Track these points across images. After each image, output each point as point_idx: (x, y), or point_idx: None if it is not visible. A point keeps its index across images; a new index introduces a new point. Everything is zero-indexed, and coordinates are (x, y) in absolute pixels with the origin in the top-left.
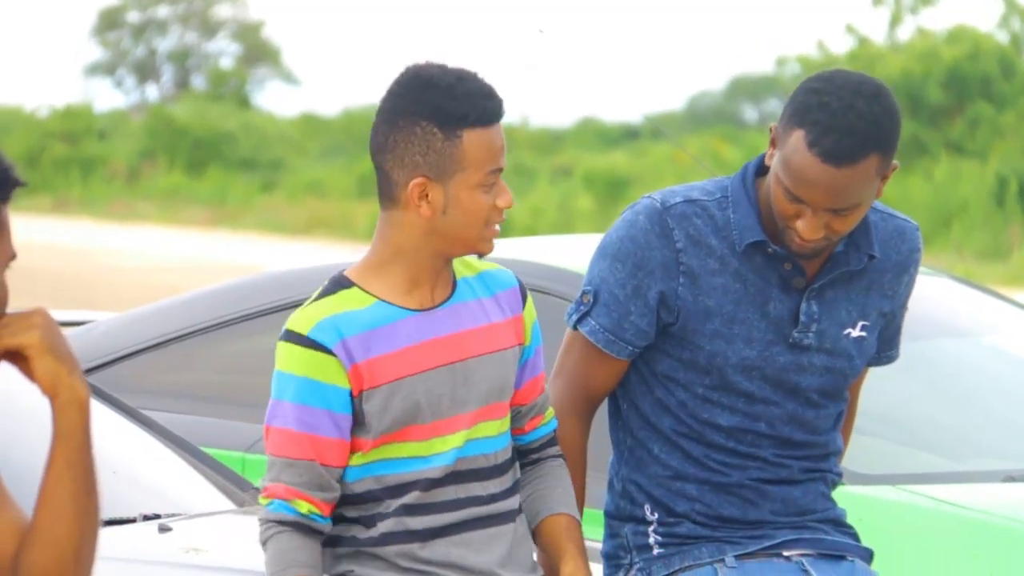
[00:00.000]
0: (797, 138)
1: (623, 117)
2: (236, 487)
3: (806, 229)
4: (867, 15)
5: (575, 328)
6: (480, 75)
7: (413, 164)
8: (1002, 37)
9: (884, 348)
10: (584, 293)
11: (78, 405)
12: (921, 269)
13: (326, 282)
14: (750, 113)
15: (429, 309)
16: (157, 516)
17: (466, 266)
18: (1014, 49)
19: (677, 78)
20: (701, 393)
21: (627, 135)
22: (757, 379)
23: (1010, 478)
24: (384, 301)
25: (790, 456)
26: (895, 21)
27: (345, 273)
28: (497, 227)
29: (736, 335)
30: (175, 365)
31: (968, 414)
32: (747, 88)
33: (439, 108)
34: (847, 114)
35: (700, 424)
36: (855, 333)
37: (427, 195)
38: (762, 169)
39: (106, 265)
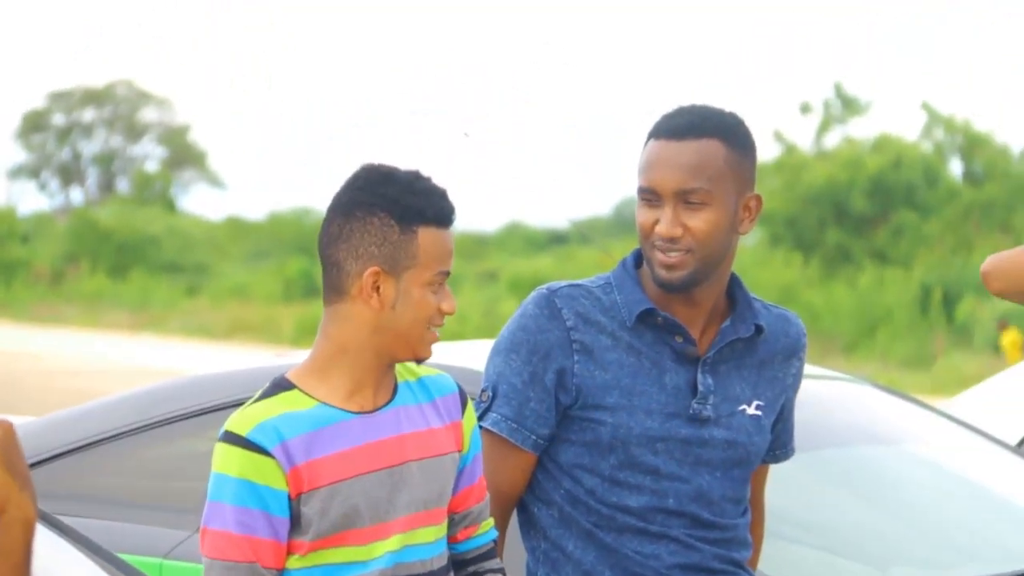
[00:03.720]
0: (647, 144)
1: (550, 222)
2: None
3: (663, 227)
4: (795, 122)
5: (480, 426)
6: (434, 178)
7: (368, 255)
8: (926, 146)
9: (779, 444)
10: (483, 391)
11: (24, 524)
12: (844, 376)
13: (267, 384)
14: None
15: (370, 412)
16: None
17: (407, 371)
18: (937, 158)
19: (604, 183)
20: (609, 475)
21: (554, 240)
22: (662, 453)
23: None
24: (325, 404)
25: (701, 539)
26: (823, 129)
27: (287, 375)
28: (437, 332)
29: (637, 407)
30: (92, 470)
31: (892, 522)
32: None
33: (397, 202)
34: (690, 106)
35: (610, 509)
36: (750, 411)
37: (379, 287)
38: (639, 260)
39: (28, 369)
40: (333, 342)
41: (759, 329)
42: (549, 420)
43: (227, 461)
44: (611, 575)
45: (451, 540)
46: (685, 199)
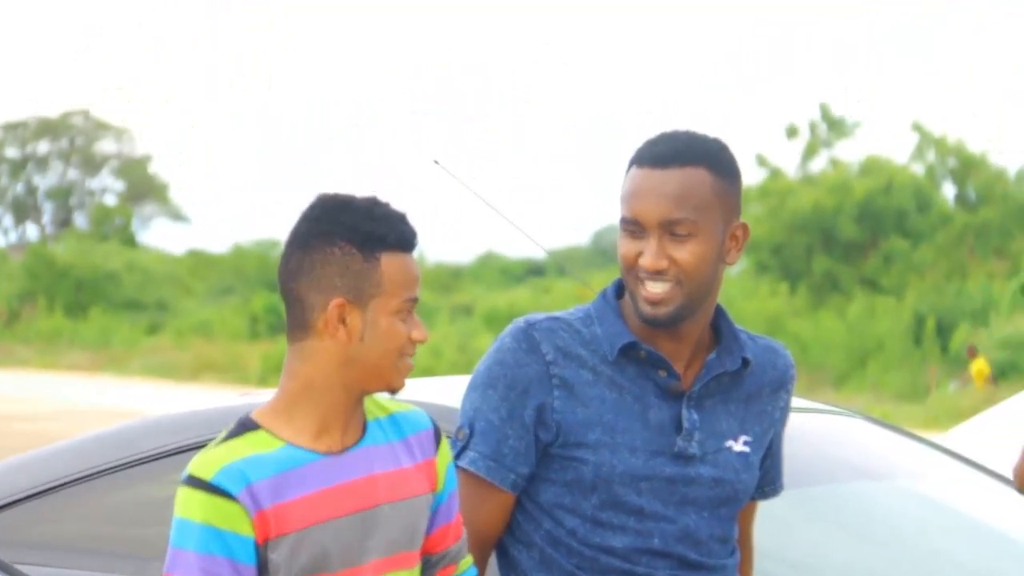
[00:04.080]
0: (630, 172)
1: (526, 253)
2: None
3: (648, 259)
4: (779, 146)
5: (456, 466)
6: (392, 204)
7: (331, 287)
8: (917, 168)
9: (768, 480)
10: (459, 429)
11: None
12: (834, 409)
13: (232, 424)
14: None
15: (338, 453)
16: None
17: (378, 407)
18: (929, 181)
19: (582, 213)
20: (591, 515)
21: (530, 271)
22: (646, 492)
23: None
24: (292, 444)
25: None
26: (809, 153)
27: (252, 415)
28: (411, 361)
29: (620, 444)
30: (51, 516)
31: (885, 560)
32: None
33: (357, 229)
34: (673, 133)
35: (593, 551)
36: (737, 447)
37: (345, 319)
38: (621, 291)
39: None
40: (299, 380)
41: (746, 362)
42: (528, 458)
43: (190, 506)
44: None
45: None
46: (671, 230)
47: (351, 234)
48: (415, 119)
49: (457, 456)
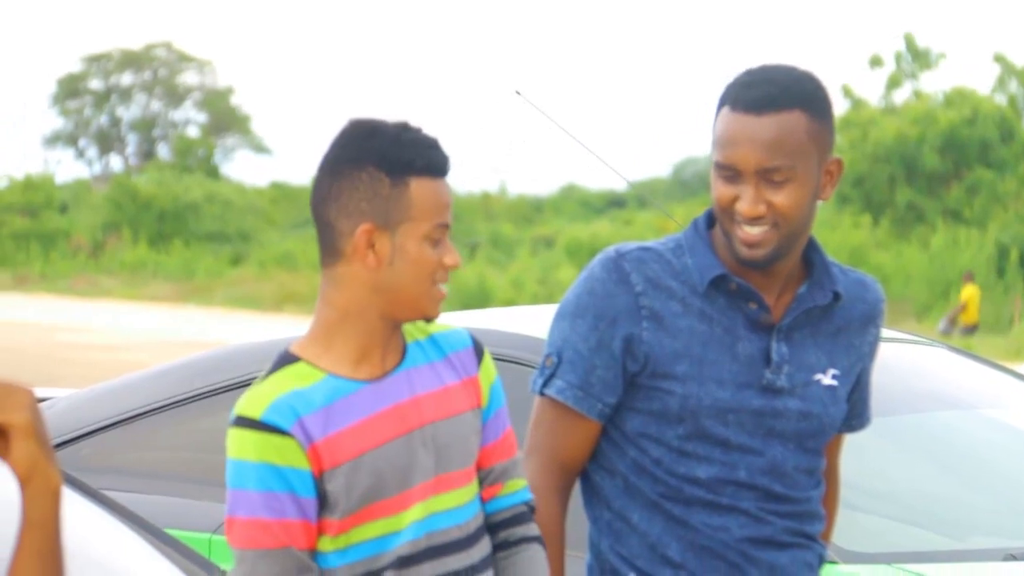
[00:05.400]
0: (722, 113)
1: (607, 184)
2: (202, 570)
3: (745, 204)
4: (863, 77)
5: (542, 393)
6: (425, 129)
7: (359, 212)
8: (1000, 99)
9: (855, 413)
10: (547, 356)
11: (52, 495)
12: (918, 339)
13: (273, 359)
14: None
15: (380, 378)
16: None
17: (416, 329)
18: (1013, 112)
19: (663, 144)
20: (676, 446)
21: (611, 203)
22: (733, 424)
23: (1011, 556)
24: (333, 374)
25: (772, 512)
26: (893, 84)
27: (290, 348)
28: (444, 288)
29: (708, 376)
30: (138, 443)
31: (968, 490)
32: None
33: (385, 154)
34: (766, 72)
35: (678, 480)
36: (826, 380)
37: (373, 244)
38: (712, 221)
39: (68, 342)
40: (334, 308)
41: (836, 296)
42: (616, 388)
43: (244, 446)
44: (677, 547)
45: None
46: (767, 176)
47: (379, 159)
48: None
49: (545, 384)
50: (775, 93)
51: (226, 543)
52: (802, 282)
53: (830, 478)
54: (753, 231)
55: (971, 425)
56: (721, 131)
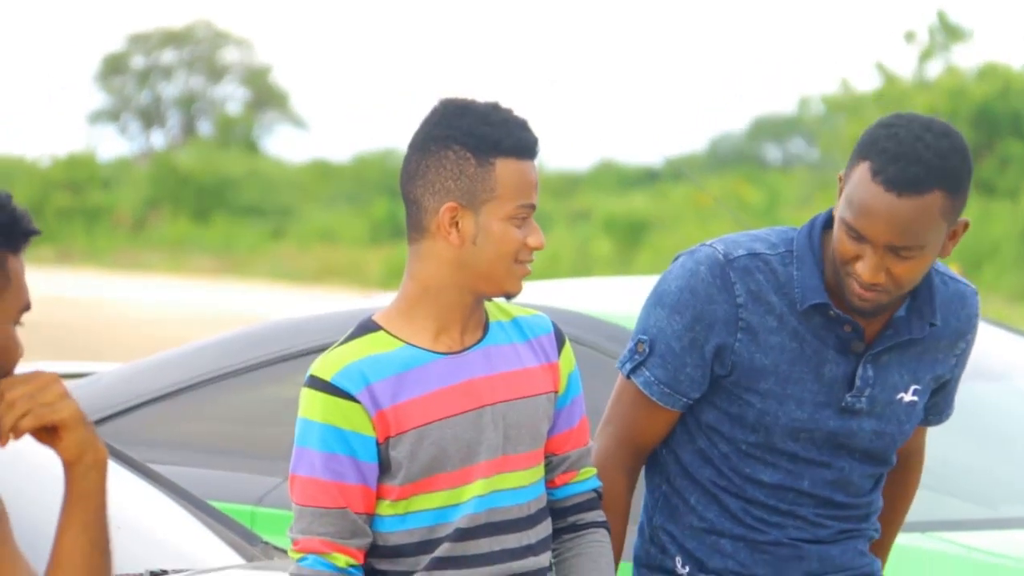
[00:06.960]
0: (862, 170)
1: (643, 159)
2: (245, 541)
3: (866, 270)
4: (896, 52)
5: (628, 377)
6: (515, 110)
7: (445, 190)
8: None
9: (936, 411)
10: (639, 342)
11: (99, 467)
12: None
13: (353, 327)
14: (773, 154)
15: (457, 352)
16: (164, 572)
17: (500, 310)
18: None
19: (698, 119)
20: (745, 449)
21: (647, 177)
22: (804, 440)
23: None
24: (411, 345)
25: (830, 517)
26: (925, 58)
27: (373, 317)
28: (528, 267)
29: (789, 396)
30: (182, 416)
31: (1001, 459)
32: (770, 128)
33: (472, 133)
34: (914, 144)
35: (742, 479)
36: (907, 398)
37: (457, 223)
38: (830, 222)
39: (111, 316)
40: (417, 282)
41: (933, 326)
42: (702, 385)
43: (312, 406)
44: (730, 538)
45: (548, 485)
46: (894, 250)
47: (466, 138)
48: (538, 21)
49: (633, 370)
50: (920, 176)
51: (269, 515)
52: (900, 305)
53: (915, 462)
54: (868, 294)
55: (1003, 395)
56: (857, 196)
